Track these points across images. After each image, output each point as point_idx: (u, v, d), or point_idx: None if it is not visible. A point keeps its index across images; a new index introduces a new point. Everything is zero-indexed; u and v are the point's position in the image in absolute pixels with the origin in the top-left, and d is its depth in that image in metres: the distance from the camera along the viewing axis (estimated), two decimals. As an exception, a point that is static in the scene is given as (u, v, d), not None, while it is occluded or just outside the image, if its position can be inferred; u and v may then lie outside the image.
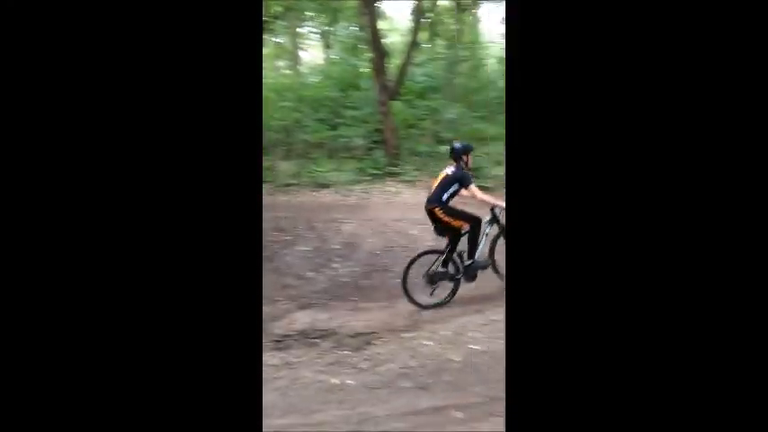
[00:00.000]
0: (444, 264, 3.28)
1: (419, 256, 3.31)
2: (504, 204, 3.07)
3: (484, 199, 3.24)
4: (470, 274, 3.30)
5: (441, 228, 3.27)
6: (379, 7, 7.40)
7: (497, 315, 2.72)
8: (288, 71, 9.67)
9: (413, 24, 7.66)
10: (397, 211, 5.03)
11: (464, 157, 3.33)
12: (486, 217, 3.31)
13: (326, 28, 9.50)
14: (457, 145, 3.39)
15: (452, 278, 3.27)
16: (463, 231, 3.26)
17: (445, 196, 3.23)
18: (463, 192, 3.23)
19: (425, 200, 3.34)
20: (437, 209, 3.22)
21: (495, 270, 3.31)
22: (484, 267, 3.32)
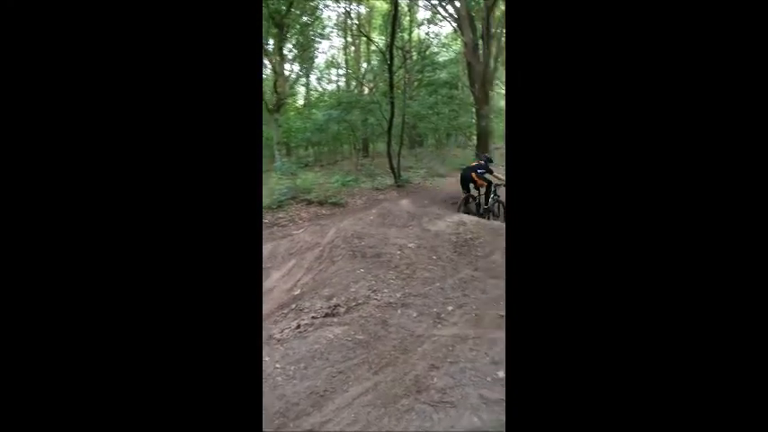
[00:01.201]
0: (468, 203, 6.22)
1: (464, 199, 6.19)
2: (498, 180, 6.01)
3: (495, 177, 6.05)
4: (484, 213, 6.07)
5: (470, 185, 6.15)
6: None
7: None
8: None
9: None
10: None
11: (488, 162, 6.22)
12: (493, 187, 6.08)
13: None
14: (487, 156, 6.60)
15: (476, 213, 6.08)
16: (482, 190, 6.14)
17: (479, 171, 6.09)
18: (489, 175, 6.11)
19: (463, 170, 6.34)
20: (473, 173, 6.11)
21: (494, 214, 6.08)
22: (489, 211, 6.06)
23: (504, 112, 14.57)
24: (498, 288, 3.61)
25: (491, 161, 6.42)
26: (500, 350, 2.51)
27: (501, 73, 14.38)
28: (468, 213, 5.91)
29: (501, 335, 2.69)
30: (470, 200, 6.25)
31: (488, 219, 5.90)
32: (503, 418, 1.95)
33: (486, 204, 6.12)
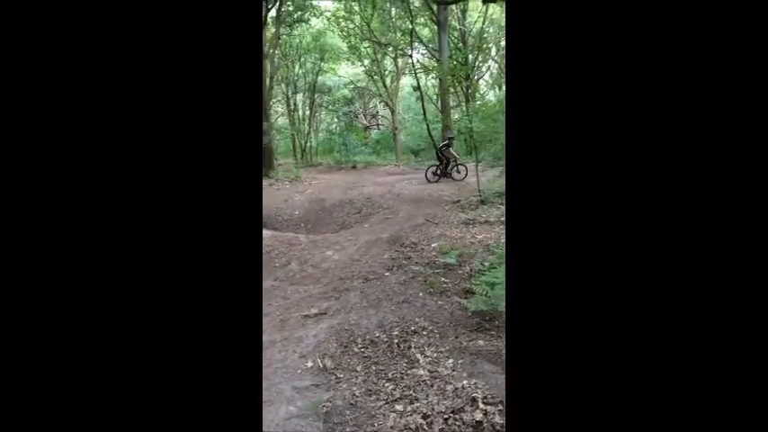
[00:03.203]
0: (437, 171, 9.01)
1: (429, 167, 9.21)
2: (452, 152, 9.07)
3: (451, 154, 9.01)
4: (443, 175, 8.90)
5: (440, 157, 9.07)
6: None
7: None
8: None
9: None
10: None
11: (450, 141, 9.25)
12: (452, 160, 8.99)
13: None
14: (450, 137, 9.56)
15: (442, 175, 8.95)
16: (444, 161, 8.99)
17: (442, 149, 9.11)
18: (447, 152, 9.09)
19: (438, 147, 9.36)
20: (440, 150, 9.20)
21: (453, 175, 8.90)
22: (448, 174, 8.86)
23: (284, 130, 15.14)
24: (298, 293, 3.88)
25: (453, 139, 9.56)
26: (306, 345, 2.78)
27: (277, 91, 14.91)
28: (434, 175, 8.90)
29: (305, 332, 2.96)
30: (436, 168, 9.04)
31: (448, 178, 8.83)
32: (315, 399, 2.21)
33: (445, 171, 9.00)
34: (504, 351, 2.48)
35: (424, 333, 2.81)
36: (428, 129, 10.93)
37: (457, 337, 2.72)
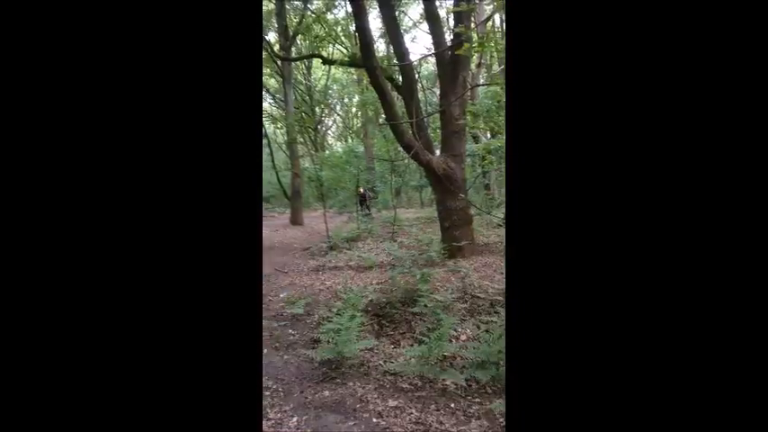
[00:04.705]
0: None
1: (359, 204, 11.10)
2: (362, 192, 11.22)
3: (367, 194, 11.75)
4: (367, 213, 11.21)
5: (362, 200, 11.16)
6: None
7: None
8: None
9: None
10: None
11: (365, 190, 11.48)
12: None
13: None
14: (364, 190, 11.20)
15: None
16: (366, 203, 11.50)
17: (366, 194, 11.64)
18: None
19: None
20: (363, 194, 11.21)
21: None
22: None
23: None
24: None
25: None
26: None
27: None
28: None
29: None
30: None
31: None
32: None
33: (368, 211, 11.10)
34: (348, 399, 2.48)
35: (267, 394, 2.62)
36: (277, 176, 10.88)
37: (302, 392, 2.61)
